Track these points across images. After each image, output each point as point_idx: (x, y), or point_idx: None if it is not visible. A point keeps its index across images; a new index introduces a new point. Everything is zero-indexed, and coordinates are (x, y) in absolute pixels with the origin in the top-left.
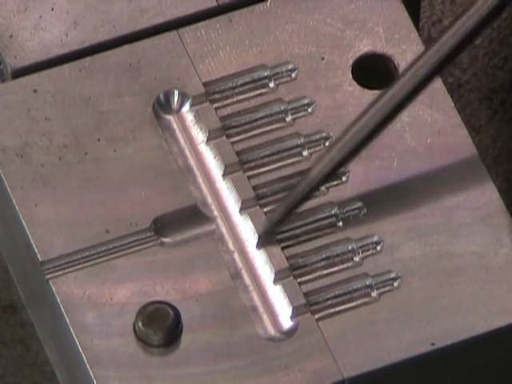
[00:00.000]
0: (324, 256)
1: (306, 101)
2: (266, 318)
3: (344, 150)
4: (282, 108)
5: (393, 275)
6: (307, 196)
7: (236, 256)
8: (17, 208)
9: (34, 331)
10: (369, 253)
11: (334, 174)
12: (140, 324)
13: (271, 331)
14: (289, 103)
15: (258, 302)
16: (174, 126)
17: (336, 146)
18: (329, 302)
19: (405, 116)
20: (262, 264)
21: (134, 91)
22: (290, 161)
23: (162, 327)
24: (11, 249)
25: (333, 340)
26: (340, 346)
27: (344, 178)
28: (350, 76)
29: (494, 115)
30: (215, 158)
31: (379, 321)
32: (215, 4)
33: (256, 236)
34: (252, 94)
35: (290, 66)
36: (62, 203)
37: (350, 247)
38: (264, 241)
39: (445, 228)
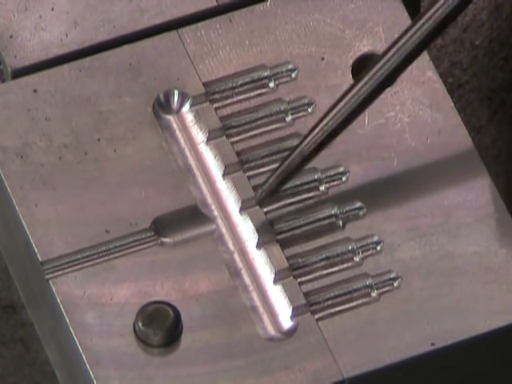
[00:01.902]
0: (324, 256)
1: (305, 101)
2: (265, 318)
3: (336, 120)
4: (282, 108)
5: (393, 275)
6: (299, 166)
7: (236, 256)
8: (17, 208)
9: (34, 331)
10: (369, 253)
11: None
12: (140, 324)
13: (271, 331)
14: (289, 103)
15: (258, 302)
16: (174, 125)
17: (328, 115)
18: (329, 302)
19: (405, 116)
20: (262, 264)
21: (133, 91)
22: None
23: (162, 327)
24: (11, 249)
25: (333, 340)
26: (340, 345)
27: (344, 178)
28: (350, 76)
29: (494, 115)
30: (215, 158)
31: (379, 321)
32: (215, 4)
33: (256, 236)
34: (252, 94)
35: (289, 66)
36: (62, 203)
37: (350, 247)
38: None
39: (445, 228)
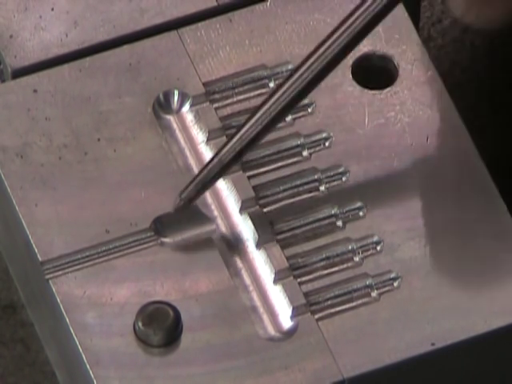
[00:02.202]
0: (324, 256)
1: (305, 101)
2: (265, 318)
3: (255, 128)
4: None
5: (393, 275)
6: (218, 175)
7: (236, 256)
8: (17, 208)
9: (34, 331)
10: (369, 253)
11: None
12: (140, 324)
13: (271, 331)
14: None
15: (258, 302)
16: (174, 125)
17: (247, 124)
18: (329, 302)
19: (405, 116)
20: (262, 264)
21: (134, 91)
22: (289, 161)
23: (162, 327)
24: (11, 249)
25: (333, 340)
26: (340, 345)
27: (344, 178)
28: (350, 76)
29: (494, 115)
30: None
31: (379, 321)
32: (215, 4)
33: (256, 236)
34: (252, 94)
35: (289, 66)
36: (62, 203)
37: (350, 247)
38: (176, 216)
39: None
